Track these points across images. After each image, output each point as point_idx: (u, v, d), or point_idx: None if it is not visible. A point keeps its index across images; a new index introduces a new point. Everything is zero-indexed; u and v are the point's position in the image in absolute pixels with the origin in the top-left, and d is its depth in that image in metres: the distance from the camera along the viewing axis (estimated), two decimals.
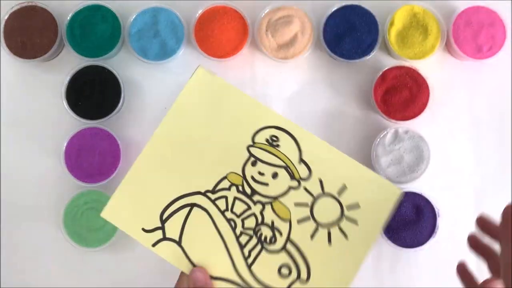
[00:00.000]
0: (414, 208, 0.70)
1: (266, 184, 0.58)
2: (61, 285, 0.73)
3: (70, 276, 0.73)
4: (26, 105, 0.74)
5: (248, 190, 0.58)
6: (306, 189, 0.58)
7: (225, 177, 0.58)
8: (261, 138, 0.59)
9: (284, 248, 0.57)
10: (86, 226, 0.71)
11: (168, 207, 0.58)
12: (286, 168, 0.58)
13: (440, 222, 0.70)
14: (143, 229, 0.57)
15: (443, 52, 0.75)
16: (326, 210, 0.57)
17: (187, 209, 0.58)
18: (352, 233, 0.57)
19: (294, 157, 0.58)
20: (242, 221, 0.58)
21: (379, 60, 0.75)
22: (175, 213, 0.58)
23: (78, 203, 0.71)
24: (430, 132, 0.72)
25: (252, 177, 0.58)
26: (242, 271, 0.57)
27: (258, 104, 0.59)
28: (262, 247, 0.57)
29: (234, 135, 0.59)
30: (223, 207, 0.58)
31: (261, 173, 0.58)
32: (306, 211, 0.57)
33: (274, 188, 0.58)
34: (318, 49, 0.75)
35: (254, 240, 0.57)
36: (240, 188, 0.58)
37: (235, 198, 0.58)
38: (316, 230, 0.57)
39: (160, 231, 0.57)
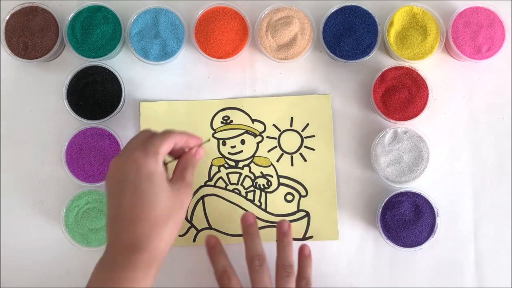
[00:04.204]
0: (413, 208, 0.71)
1: (241, 151, 0.74)
2: (61, 285, 0.73)
3: (71, 276, 0.73)
4: (27, 105, 0.75)
5: (232, 163, 0.74)
6: (268, 137, 0.74)
7: (211, 165, 0.74)
8: (216, 123, 0.74)
9: (279, 184, 0.74)
10: (87, 225, 0.71)
11: (187, 209, 0.72)
12: (247, 132, 0.74)
13: (439, 221, 0.70)
14: (180, 235, 0.73)
15: (442, 52, 0.75)
16: (290, 141, 0.74)
17: (200, 202, 0.74)
18: (315, 146, 0.74)
19: (247, 121, 0.74)
20: (242, 185, 0.74)
21: (379, 61, 0.75)
22: (194, 210, 0.74)
23: (79, 203, 0.71)
24: (429, 132, 0.72)
25: (229, 153, 0.74)
26: (262, 216, 0.73)
27: (199, 102, 0.74)
28: (265, 193, 0.74)
29: (199, 133, 0.70)
30: (223, 185, 0.74)
31: (232, 147, 0.74)
32: (278, 151, 0.74)
33: (248, 150, 0.74)
34: (317, 49, 0.75)
35: (257, 192, 0.74)
36: (226, 165, 0.74)
37: (227, 174, 0.74)
38: (291, 158, 0.74)
39: (192, 228, 0.73)
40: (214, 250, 0.66)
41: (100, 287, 0.54)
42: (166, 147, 0.57)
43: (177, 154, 0.61)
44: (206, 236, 0.67)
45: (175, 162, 0.61)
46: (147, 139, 0.58)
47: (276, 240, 0.67)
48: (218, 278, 0.65)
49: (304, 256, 0.68)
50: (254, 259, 0.65)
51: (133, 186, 0.55)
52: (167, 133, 0.59)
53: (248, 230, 0.66)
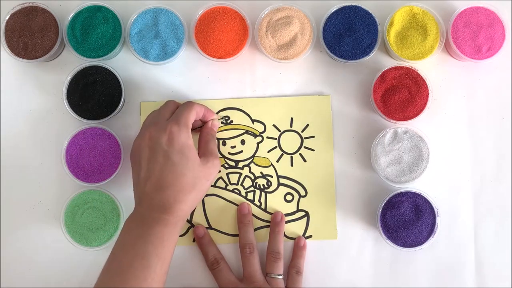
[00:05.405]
0: (413, 208, 0.70)
1: (241, 152, 0.74)
2: (61, 285, 0.73)
3: (71, 276, 0.73)
4: (27, 105, 0.75)
5: (232, 163, 0.74)
6: (268, 137, 0.74)
7: None
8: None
9: (279, 184, 0.74)
10: (87, 225, 0.71)
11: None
12: (247, 132, 0.74)
13: (439, 221, 0.70)
14: (180, 235, 0.73)
15: (442, 52, 0.75)
16: (289, 141, 0.74)
17: (200, 202, 0.73)
18: (315, 147, 0.74)
19: (247, 121, 0.74)
20: (242, 185, 0.74)
21: (379, 61, 0.75)
22: (194, 210, 0.73)
23: (79, 202, 0.71)
24: (429, 132, 0.72)
25: (229, 153, 0.74)
26: (262, 215, 0.74)
27: (201, 102, 0.72)
28: (265, 193, 0.74)
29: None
30: (223, 185, 0.74)
31: (232, 147, 0.74)
32: (278, 151, 0.74)
33: (248, 150, 0.74)
34: (317, 49, 0.75)
35: (257, 192, 0.74)
36: (226, 165, 0.74)
37: (227, 174, 0.74)
38: (291, 158, 0.74)
39: (192, 228, 0.73)
40: (203, 241, 0.72)
41: (134, 239, 0.61)
42: (192, 118, 0.66)
43: (193, 126, 0.68)
44: (194, 227, 0.73)
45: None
46: (175, 110, 0.67)
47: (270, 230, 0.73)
48: (210, 265, 0.71)
49: (298, 247, 0.72)
50: (245, 246, 0.71)
51: (165, 156, 0.63)
52: (190, 105, 0.67)
53: (243, 219, 0.73)
